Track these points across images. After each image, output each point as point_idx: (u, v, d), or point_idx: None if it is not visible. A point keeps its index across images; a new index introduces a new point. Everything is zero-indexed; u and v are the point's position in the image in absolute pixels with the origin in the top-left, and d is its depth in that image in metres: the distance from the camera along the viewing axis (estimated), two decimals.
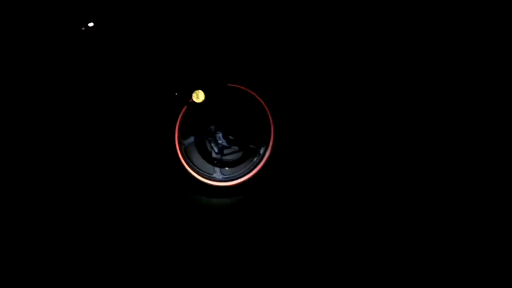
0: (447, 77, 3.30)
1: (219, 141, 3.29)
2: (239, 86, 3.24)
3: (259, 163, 3.30)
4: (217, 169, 3.31)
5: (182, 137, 3.26)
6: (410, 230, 3.11)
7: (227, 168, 3.32)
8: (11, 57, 3.13)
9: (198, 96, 3.16)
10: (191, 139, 3.29)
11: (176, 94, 3.21)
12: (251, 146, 3.30)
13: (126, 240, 3.07)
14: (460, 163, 3.28)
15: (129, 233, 3.11)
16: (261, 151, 3.30)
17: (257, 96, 3.26)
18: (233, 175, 3.31)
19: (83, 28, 2.99)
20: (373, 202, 3.22)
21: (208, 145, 3.31)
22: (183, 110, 3.23)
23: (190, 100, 3.20)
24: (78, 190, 3.20)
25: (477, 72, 3.28)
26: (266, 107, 3.27)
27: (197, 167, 3.30)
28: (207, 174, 3.30)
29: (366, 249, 3.04)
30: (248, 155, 3.34)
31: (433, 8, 3.25)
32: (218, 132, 3.27)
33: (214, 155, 3.32)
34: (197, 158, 3.32)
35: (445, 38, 3.28)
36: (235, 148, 3.31)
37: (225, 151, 3.32)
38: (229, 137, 3.27)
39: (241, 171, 3.31)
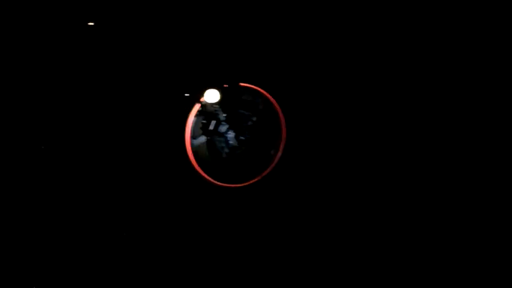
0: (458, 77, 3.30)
1: (230, 142, 3.23)
2: (252, 86, 3.19)
3: (270, 164, 3.25)
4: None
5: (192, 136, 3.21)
6: (409, 230, 3.13)
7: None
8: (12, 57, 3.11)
9: (210, 96, 3.11)
10: (202, 138, 3.24)
11: (187, 94, 3.16)
12: (262, 147, 3.26)
13: (135, 240, 3.06)
14: (464, 163, 3.28)
15: (138, 232, 3.09)
16: (272, 152, 3.25)
17: (269, 96, 3.22)
18: (244, 176, 3.26)
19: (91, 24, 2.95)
20: (384, 204, 3.21)
21: (218, 145, 3.26)
22: (194, 109, 3.17)
23: (201, 100, 3.15)
24: (87, 189, 3.14)
25: (477, 72, 3.28)
26: (278, 107, 3.23)
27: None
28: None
29: (379, 252, 3.05)
30: (259, 156, 3.29)
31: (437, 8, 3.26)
32: (229, 132, 3.22)
33: (224, 155, 3.26)
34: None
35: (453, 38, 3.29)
36: (246, 148, 3.26)
37: (236, 152, 3.27)
38: (241, 137, 3.22)
39: (252, 172, 3.27)
